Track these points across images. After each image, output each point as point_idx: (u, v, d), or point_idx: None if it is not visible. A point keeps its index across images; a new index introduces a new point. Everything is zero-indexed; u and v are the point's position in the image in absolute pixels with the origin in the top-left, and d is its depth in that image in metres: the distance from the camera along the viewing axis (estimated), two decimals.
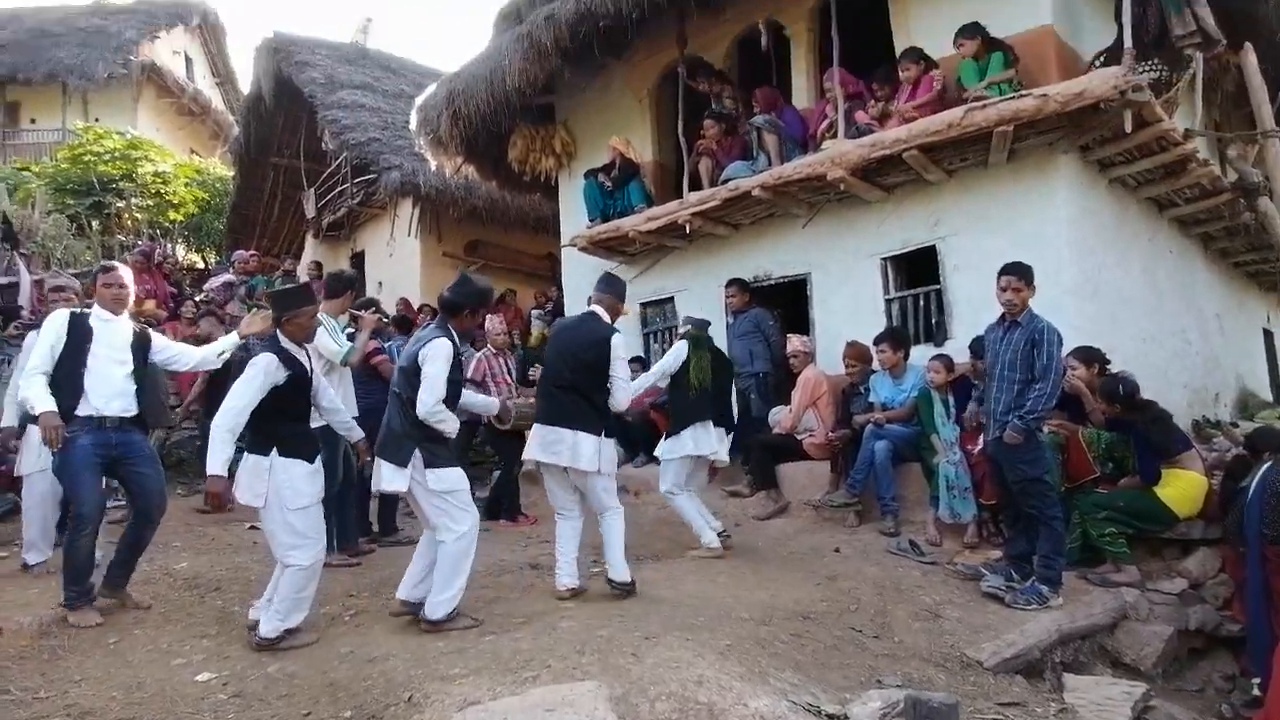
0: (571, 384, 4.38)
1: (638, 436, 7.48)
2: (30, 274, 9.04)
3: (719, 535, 5.29)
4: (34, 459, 4.85)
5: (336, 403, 4.34)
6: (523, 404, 5.70)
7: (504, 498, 6.87)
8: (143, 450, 4.20)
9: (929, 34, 6.41)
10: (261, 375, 3.67)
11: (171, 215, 16.65)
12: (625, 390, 4.47)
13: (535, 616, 3.95)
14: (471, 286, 4.14)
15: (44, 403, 3.93)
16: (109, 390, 4.08)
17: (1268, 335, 10.01)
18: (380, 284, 13.44)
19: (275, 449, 3.70)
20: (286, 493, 3.67)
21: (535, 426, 4.45)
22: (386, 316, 7.33)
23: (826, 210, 7.05)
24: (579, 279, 8.80)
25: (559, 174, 9.57)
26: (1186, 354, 7.31)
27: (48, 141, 19.79)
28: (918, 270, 6.66)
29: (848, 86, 6.67)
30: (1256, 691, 3.94)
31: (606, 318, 4.58)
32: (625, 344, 4.55)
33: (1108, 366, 5.31)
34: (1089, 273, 5.91)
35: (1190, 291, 7.69)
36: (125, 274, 4.36)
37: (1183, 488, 4.72)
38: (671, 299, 8.30)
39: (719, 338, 6.77)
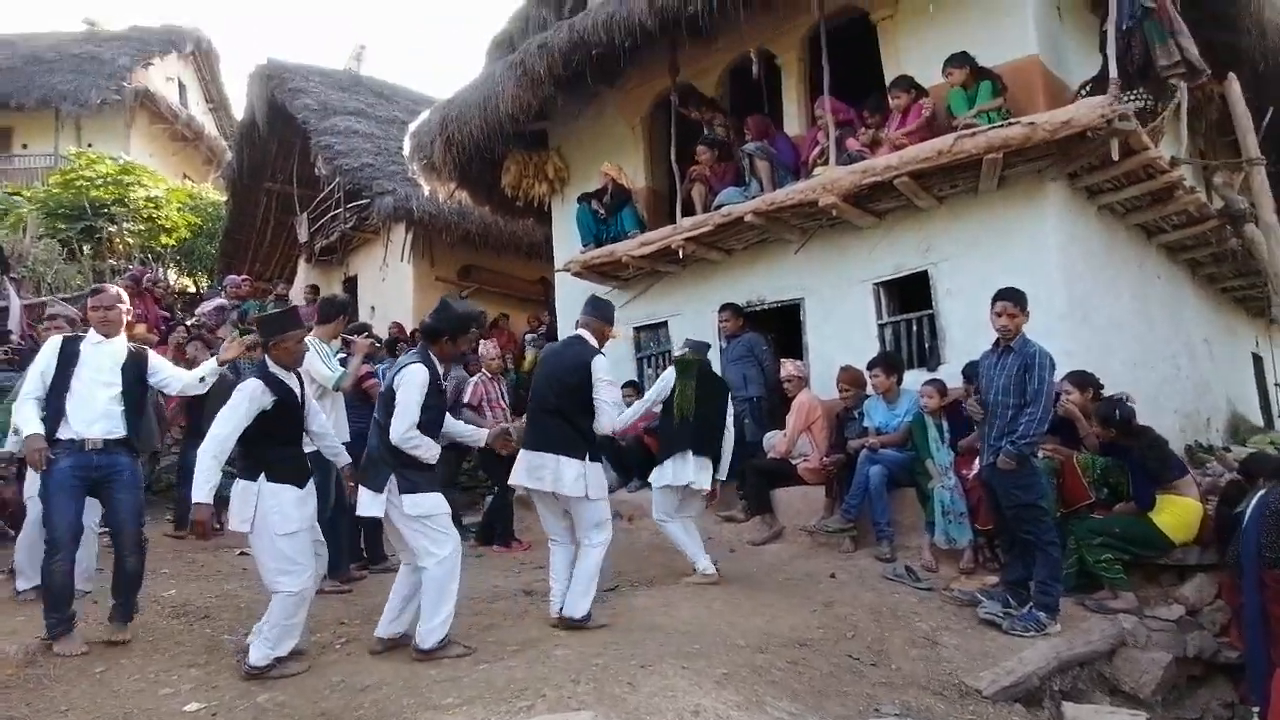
0: (556, 408, 4.36)
1: (631, 461, 7.45)
2: (20, 299, 8.99)
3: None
4: (32, 484, 4.82)
5: (327, 427, 4.30)
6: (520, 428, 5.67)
7: (497, 523, 6.81)
8: (125, 474, 4.11)
9: (918, 63, 6.50)
10: (246, 401, 3.65)
11: (164, 240, 16.63)
12: (610, 414, 4.39)
13: (529, 644, 3.90)
14: (451, 312, 4.13)
15: (30, 426, 3.94)
16: (90, 413, 4.04)
17: (1257, 360, 10.09)
18: (373, 308, 13.43)
19: (264, 474, 3.68)
20: (275, 518, 3.63)
21: (521, 452, 4.42)
22: (379, 341, 7.32)
23: (819, 236, 7.10)
24: (572, 304, 8.80)
25: (552, 199, 9.64)
26: (1177, 379, 7.35)
27: (39, 167, 19.79)
28: (910, 295, 6.70)
29: (839, 114, 6.74)
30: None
31: (592, 341, 4.55)
32: (609, 367, 4.46)
33: (1101, 391, 5.33)
34: (1080, 298, 5.96)
35: (1179, 317, 7.75)
36: (115, 295, 4.32)
37: (1178, 513, 4.72)
38: (665, 324, 8.31)
39: (714, 362, 6.76)
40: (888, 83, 6.62)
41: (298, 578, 3.65)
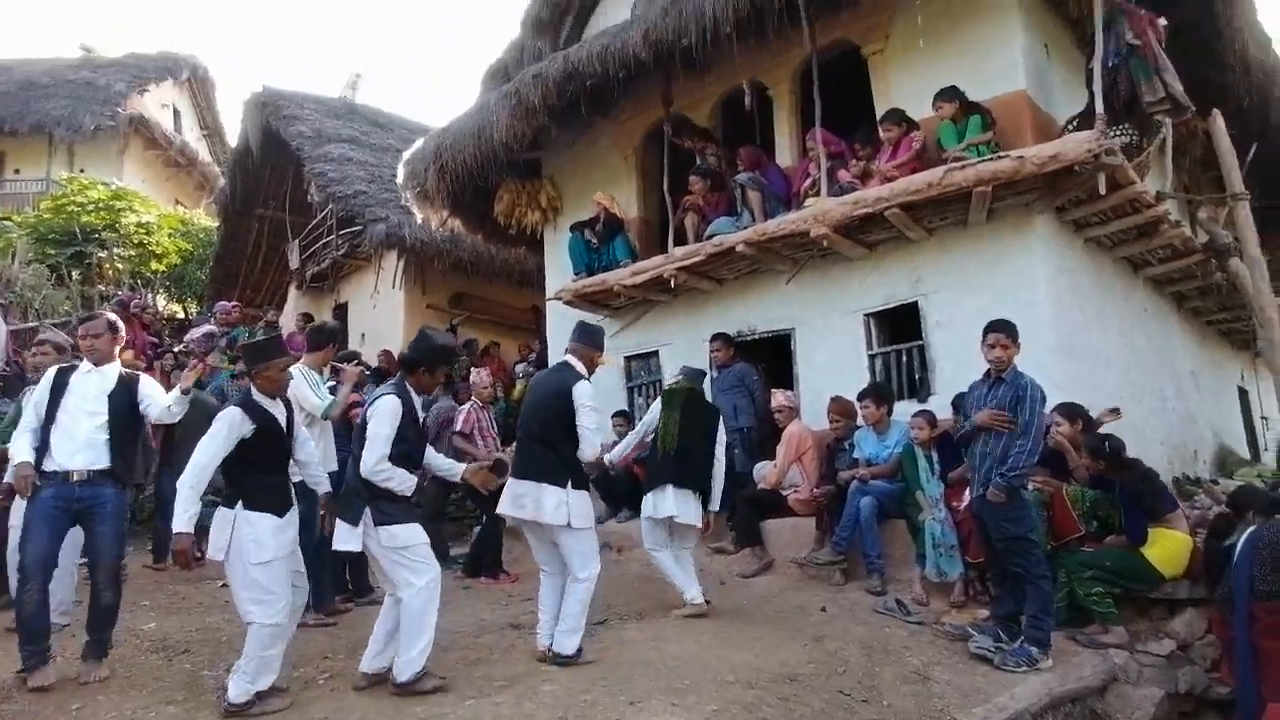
0: (539, 436, 4.33)
1: (620, 491, 7.39)
2: (6, 324, 8.91)
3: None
4: (17, 512, 4.77)
5: (312, 456, 4.25)
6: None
7: (485, 553, 6.72)
8: (107, 507, 4.03)
9: (908, 96, 6.58)
10: (225, 430, 3.64)
11: (154, 265, 16.59)
12: (592, 441, 4.30)
13: (516, 679, 3.84)
14: (429, 343, 4.13)
15: (19, 454, 3.95)
16: (72, 444, 4.00)
17: (1242, 393, 10.14)
18: (363, 335, 13.39)
19: (241, 501, 3.65)
20: (250, 546, 3.59)
21: (509, 480, 4.39)
22: (369, 369, 7.28)
23: (810, 266, 7.13)
24: (563, 332, 8.69)
25: (544, 228, 9.67)
26: (1164, 411, 7.38)
27: (31, 192, 19.79)
28: (900, 326, 6.72)
29: (830, 146, 6.81)
30: None
31: (580, 367, 4.50)
32: (592, 393, 4.37)
33: (1091, 422, 5.34)
34: (1068, 331, 5.99)
35: (1166, 349, 7.80)
36: (104, 323, 4.29)
37: (1169, 547, 4.71)
38: (656, 353, 8.31)
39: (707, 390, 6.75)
40: (878, 116, 6.70)
41: (271, 608, 3.59)
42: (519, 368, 10.95)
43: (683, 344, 7.91)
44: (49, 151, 20.29)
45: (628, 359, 8.53)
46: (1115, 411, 5.64)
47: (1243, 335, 9.47)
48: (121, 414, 4.13)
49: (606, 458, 6.03)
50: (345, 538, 3.79)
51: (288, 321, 13.97)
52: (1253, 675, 3.98)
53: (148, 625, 4.82)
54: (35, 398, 4.12)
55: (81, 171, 18.89)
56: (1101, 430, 5.29)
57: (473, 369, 8.21)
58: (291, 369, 4.69)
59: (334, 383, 5.57)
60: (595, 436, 4.32)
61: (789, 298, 7.29)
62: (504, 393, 10.20)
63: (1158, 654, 4.60)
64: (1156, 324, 7.69)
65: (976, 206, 5.86)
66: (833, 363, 6.90)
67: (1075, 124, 6.10)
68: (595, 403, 4.38)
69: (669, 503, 5.16)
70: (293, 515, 3.83)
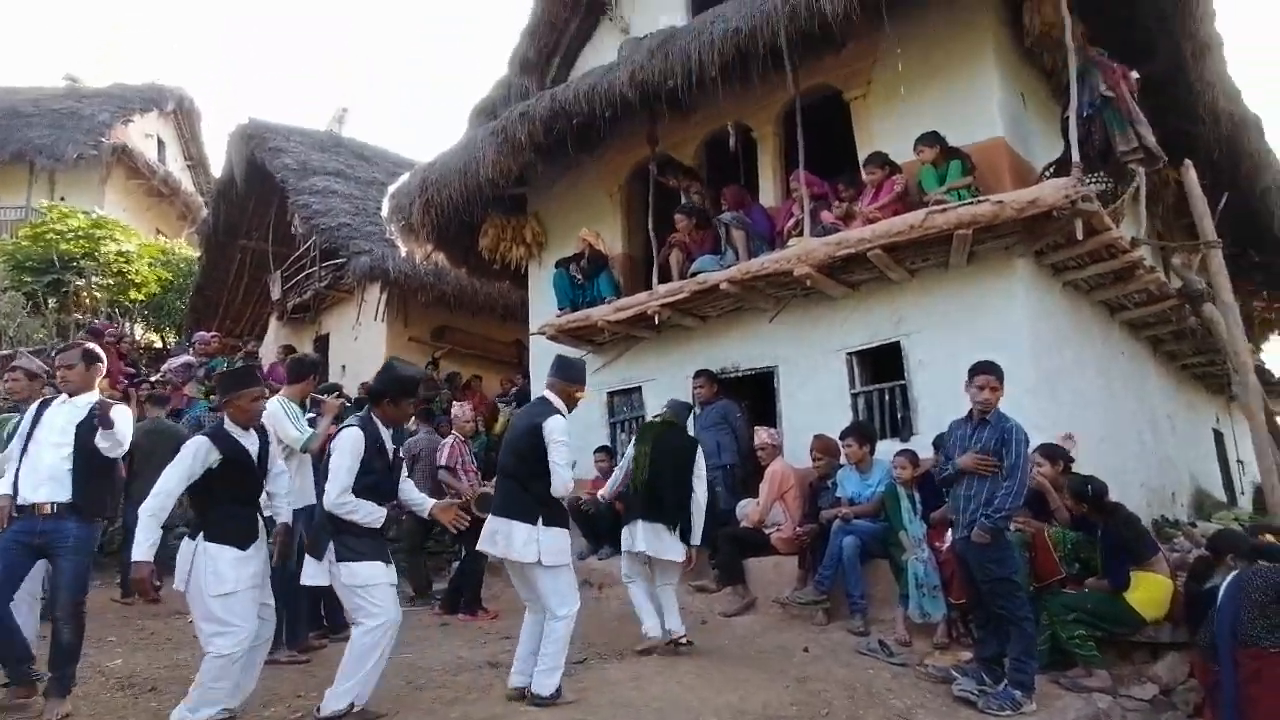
0: (513, 472, 4.30)
1: (601, 528, 7.32)
2: None
3: (681, 642, 5.10)
4: None
5: (280, 488, 4.14)
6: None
7: (465, 588, 6.61)
8: (67, 541, 3.94)
9: (890, 140, 6.69)
10: (189, 459, 3.60)
11: (133, 294, 16.43)
12: (563, 476, 4.15)
13: None
14: (393, 374, 4.11)
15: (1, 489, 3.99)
16: (36, 477, 3.97)
17: (1218, 435, 10.27)
18: (344, 367, 13.29)
19: (203, 533, 3.61)
20: (209, 578, 3.53)
21: (489, 516, 4.35)
22: (349, 401, 7.21)
23: (793, 305, 7.18)
24: (546, 367, 8.75)
25: (529, 263, 9.71)
26: (1142, 454, 7.45)
27: (10, 220, 19.54)
28: (883, 365, 6.76)
29: (813, 187, 6.90)
30: None
31: (557, 402, 4.44)
32: (565, 428, 4.26)
33: (1072, 464, 5.37)
34: (1047, 373, 6.05)
35: (1143, 392, 7.90)
36: (78, 353, 4.23)
37: (1150, 591, 4.71)
38: (639, 389, 8.30)
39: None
40: (860, 159, 6.81)
41: (233, 639, 3.53)
42: (500, 401, 10.90)
43: (666, 380, 7.91)
44: (30, 179, 20.12)
45: (611, 394, 8.52)
46: (1070, 438, 5.69)
47: (1217, 379, 9.62)
48: (90, 446, 4.04)
49: (600, 493, 6.02)
50: (313, 573, 3.77)
51: (268, 352, 13.86)
52: None
53: (114, 662, 4.68)
54: (20, 429, 4.10)
55: (62, 199, 18.74)
56: (1077, 471, 5.31)
57: (454, 403, 8.16)
58: (271, 401, 4.66)
59: (314, 415, 5.50)
60: (565, 472, 4.18)
61: (772, 336, 7.33)
62: (485, 427, 10.13)
63: (1141, 698, 4.57)
64: (1133, 367, 7.79)
65: (957, 249, 5.94)
66: (816, 401, 6.92)
67: (1052, 171, 6.24)
68: (567, 438, 4.25)
69: (639, 536, 5.19)
70: (259, 547, 3.76)
